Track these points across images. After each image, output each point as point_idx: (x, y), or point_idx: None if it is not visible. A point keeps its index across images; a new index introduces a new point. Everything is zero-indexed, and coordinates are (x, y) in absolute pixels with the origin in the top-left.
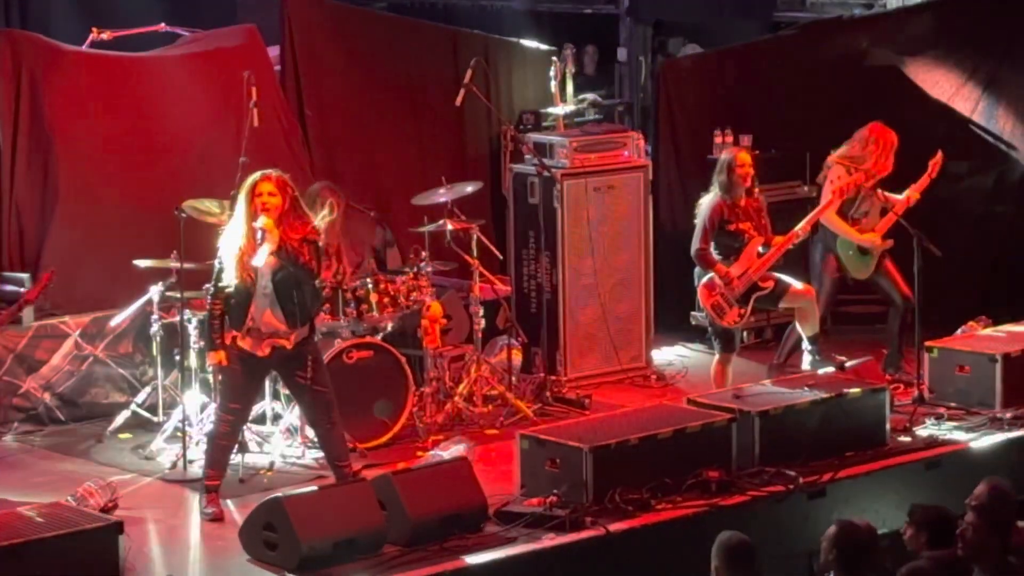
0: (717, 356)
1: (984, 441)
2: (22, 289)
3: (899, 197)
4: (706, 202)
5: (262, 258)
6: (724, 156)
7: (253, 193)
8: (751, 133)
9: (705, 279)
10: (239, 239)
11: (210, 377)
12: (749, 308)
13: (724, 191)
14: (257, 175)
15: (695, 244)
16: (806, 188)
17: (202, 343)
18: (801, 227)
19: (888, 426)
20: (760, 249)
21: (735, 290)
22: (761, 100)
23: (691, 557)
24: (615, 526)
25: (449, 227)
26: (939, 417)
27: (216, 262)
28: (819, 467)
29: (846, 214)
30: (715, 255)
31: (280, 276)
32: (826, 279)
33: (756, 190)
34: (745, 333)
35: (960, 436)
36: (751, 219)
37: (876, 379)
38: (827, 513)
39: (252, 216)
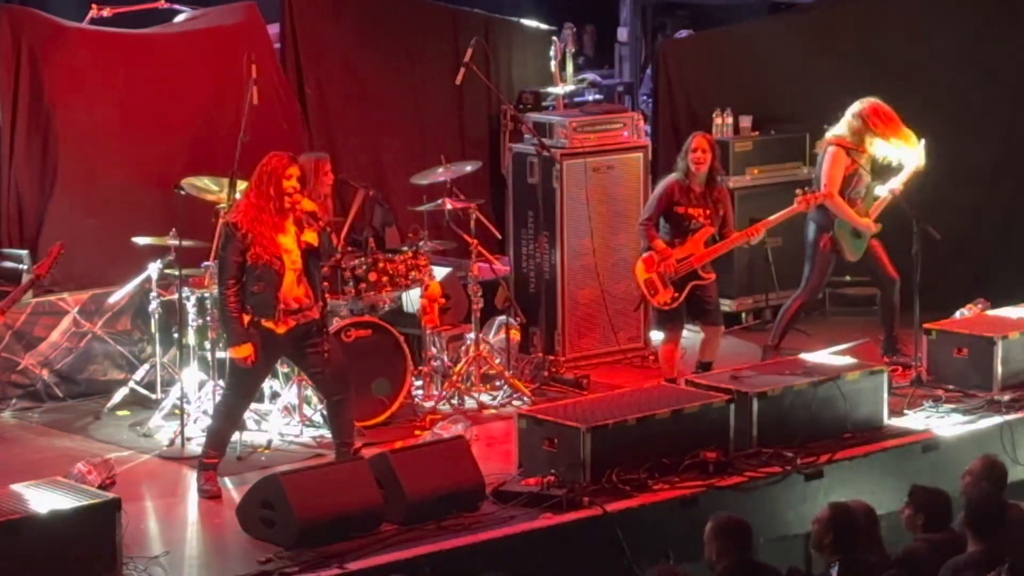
0: (664, 342)
1: (981, 423)
2: (21, 266)
3: (882, 193)
4: (664, 179)
5: (313, 238)
6: (688, 139)
7: (282, 177)
8: (751, 114)
9: (645, 254)
10: (267, 222)
11: (208, 355)
12: (683, 295)
13: (679, 172)
14: (278, 159)
15: (641, 216)
16: (806, 170)
17: (200, 320)
18: (760, 225)
19: (886, 408)
20: (714, 238)
21: (672, 272)
22: (761, 81)
23: (688, 537)
24: (612, 506)
25: (448, 206)
26: (937, 399)
27: (230, 252)
28: (816, 449)
29: (843, 193)
30: (663, 235)
31: (306, 251)
32: (819, 257)
33: (719, 179)
34: (744, 314)
35: (958, 418)
36: (705, 206)
37: (874, 361)
38: (824, 495)
39: (280, 199)
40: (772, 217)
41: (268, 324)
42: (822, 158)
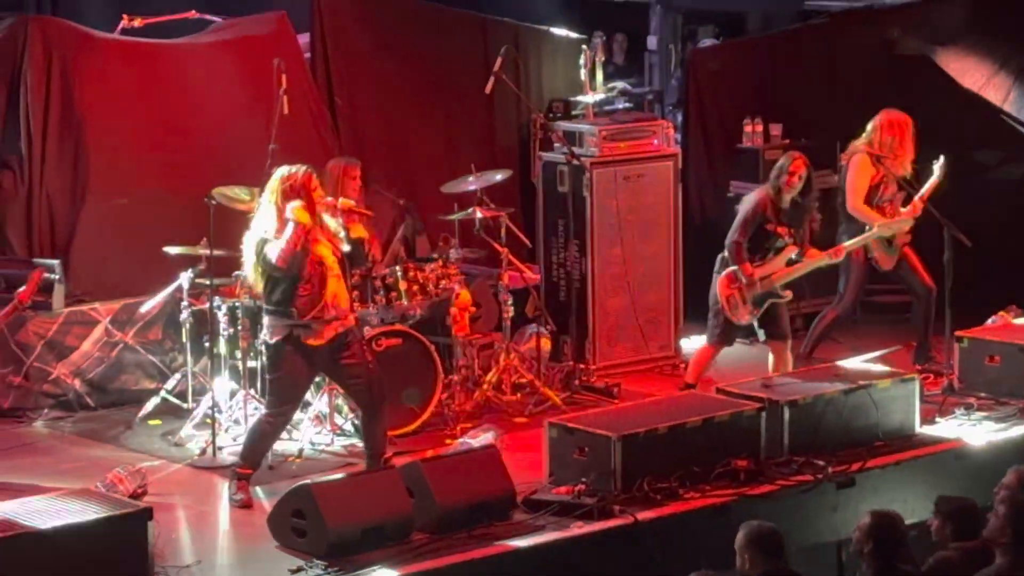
0: (709, 342)
1: (1014, 431)
2: (53, 275)
3: (905, 211)
4: (753, 195)
5: (361, 231)
6: (784, 160)
7: (311, 190)
8: (781, 122)
9: (728, 271)
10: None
11: (239, 364)
12: (761, 311)
13: (773, 190)
14: (299, 170)
15: (732, 235)
16: (836, 177)
17: (232, 330)
18: (843, 247)
19: (918, 416)
20: (793, 256)
21: (754, 290)
22: (791, 89)
23: (719, 546)
24: (643, 514)
25: (478, 215)
26: (969, 407)
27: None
28: (848, 457)
29: (871, 202)
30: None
31: (342, 260)
32: (853, 267)
33: (811, 197)
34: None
35: (990, 426)
36: (792, 224)
37: (905, 369)
38: (856, 503)
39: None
40: (855, 240)
41: (309, 342)
42: (846, 169)
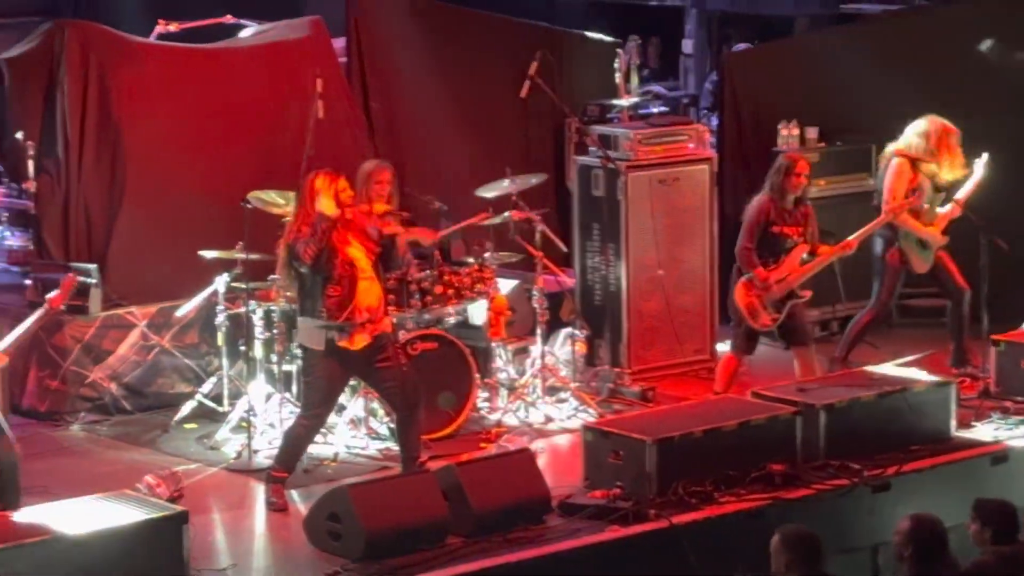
0: (732, 350)
1: None
2: (90, 280)
3: (944, 210)
4: (754, 200)
5: (397, 229)
6: (781, 159)
7: (338, 192)
8: (817, 125)
9: (744, 278)
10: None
11: (275, 368)
12: (783, 314)
13: (774, 192)
14: (325, 172)
15: (740, 242)
16: (872, 181)
17: (267, 334)
18: (853, 240)
19: (954, 420)
20: (804, 256)
21: (772, 294)
22: (827, 92)
23: (754, 550)
24: (679, 518)
25: (513, 219)
26: (1005, 411)
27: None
28: (884, 461)
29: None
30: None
31: (375, 262)
32: (888, 271)
33: (807, 197)
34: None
35: None
36: (799, 224)
37: (941, 373)
38: (892, 507)
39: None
40: (861, 230)
41: (344, 344)
42: (884, 171)
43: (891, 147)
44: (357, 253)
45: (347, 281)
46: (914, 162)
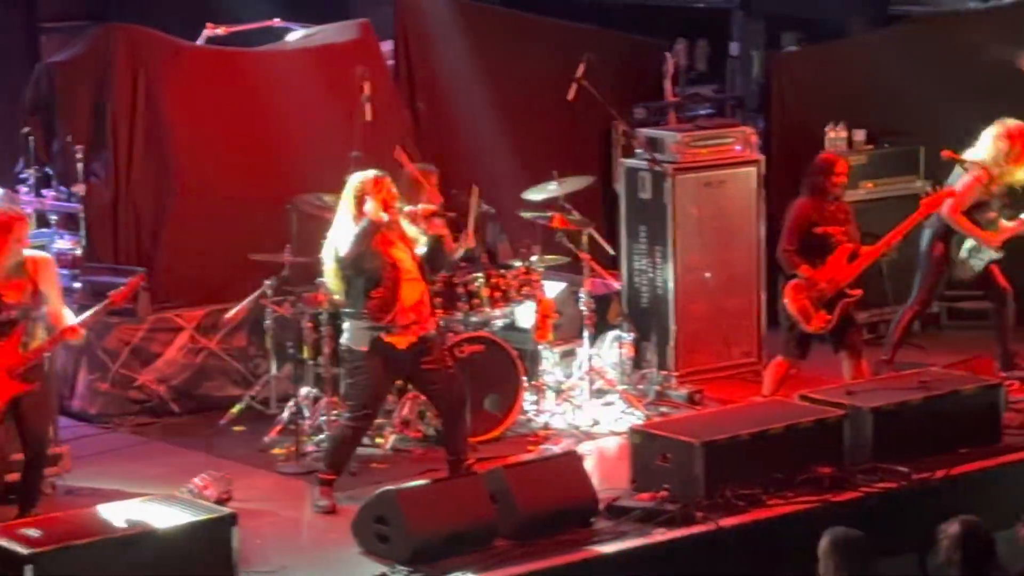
0: (783, 356)
1: None
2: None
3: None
4: (794, 204)
5: (442, 229)
6: (821, 160)
7: (380, 191)
8: (864, 127)
9: (792, 281)
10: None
11: (323, 370)
12: (836, 315)
13: (815, 193)
14: (369, 175)
15: (781, 244)
16: (920, 183)
17: (315, 336)
18: (892, 236)
19: (1002, 423)
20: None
21: (822, 294)
22: (875, 94)
23: (802, 553)
24: (726, 521)
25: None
26: None
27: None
28: (932, 464)
29: (968, 215)
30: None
31: (421, 264)
32: (932, 265)
33: (843, 196)
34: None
35: None
36: (840, 223)
37: (990, 376)
38: (940, 510)
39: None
40: (901, 225)
41: (390, 339)
42: (959, 175)
43: (973, 156)
44: (401, 254)
45: (391, 283)
46: (990, 181)
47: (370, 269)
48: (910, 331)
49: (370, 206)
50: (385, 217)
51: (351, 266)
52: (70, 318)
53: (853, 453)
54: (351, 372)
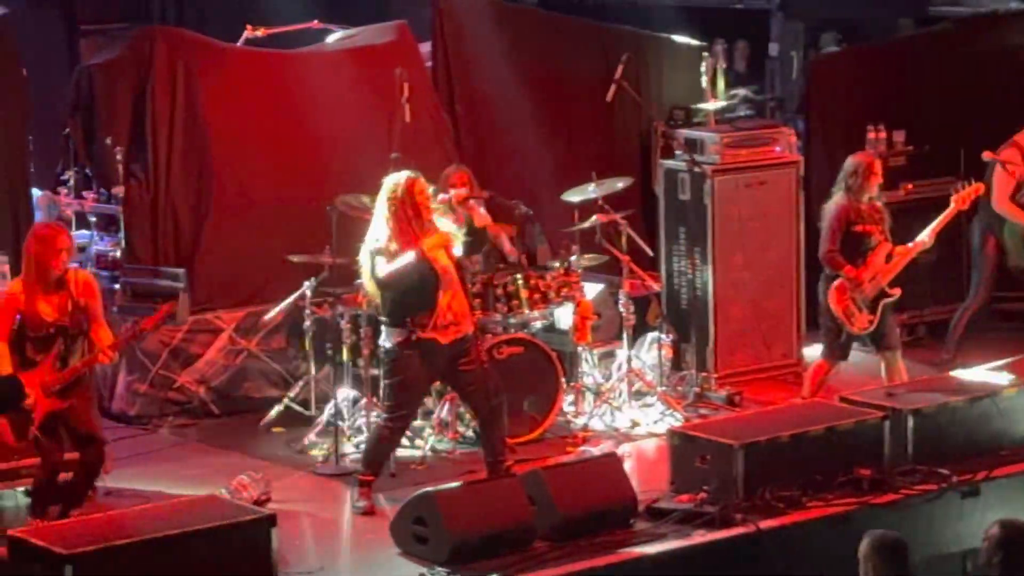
0: (823, 358)
1: None
2: (178, 284)
3: None
4: (832, 204)
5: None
6: (857, 160)
7: (415, 194)
8: (904, 129)
9: (836, 282)
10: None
11: (362, 372)
12: (878, 315)
13: (853, 194)
14: (404, 177)
15: (824, 246)
16: (960, 184)
17: (354, 338)
18: (927, 236)
19: None
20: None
21: (865, 294)
22: (914, 95)
23: (842, 555)
24: (765, 523)
25: (599, 223)
26: None
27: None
28: (973, 466)
29: (1014, 199)
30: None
31: (458, 265)
32: (986, 260)
33: (878, 196)
34: (898, 329)
35: None
36: (876, 223)
37: None
38: (981, 513)
39: (419, 217)
40: (934, 224)
41: (430, 335)
42: (992, 169)
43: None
44: (438, 254)
45: (430, 288)
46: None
47: (408, 284)
48: (970, 329)
49: (428, 244)
50: (447, 263)
51: (387, 287)
52: (108, 337)
53: (893, 455)
54: (389, 372)
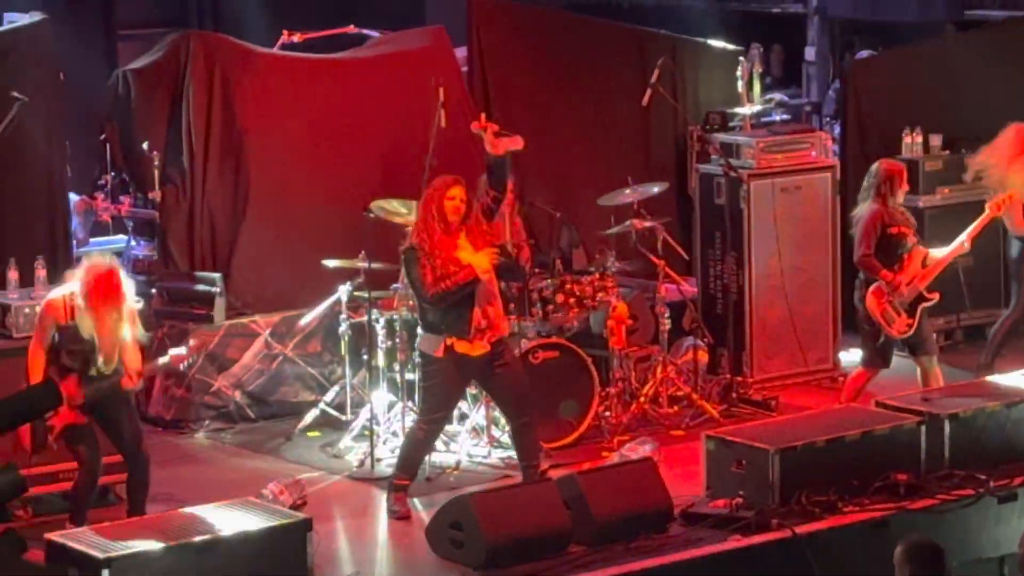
0: (863, 366)
1: None
2: (215, 288)
3: None
4: (864, 209)
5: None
6: (887, 168)
7: (443, 198)
8: (940, 132)
9: (873, 286)
10: (439, 242)
11: (397, 377)
12: (916, 319)
13: (884, 200)
14: (440, 180)
15: (859, 250)
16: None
17: (390, 342)
18: (964, 240)
19: None
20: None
21: (903, 297)
22: (951, 99)
23: (878, 560)
24: (801, 528)
25: (634, 228)
26: None
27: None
28: (1010, 471)
29: None
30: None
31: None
32: None
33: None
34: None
35: None
36: (909, 226)
37: None
38: (1018, 518)
39: (444, 220)
40: (971, 228)
41: (463, 349)
42: None
43: None
44: (474, 258)
45: (467, 296)
46: None
47: (453, 301)
48: (1010, 338)
49: (477, 258)
50: (488, 274)
51: (434, 304)
52: (136, 362)
53: (929, 460)
54: (425, 377)
